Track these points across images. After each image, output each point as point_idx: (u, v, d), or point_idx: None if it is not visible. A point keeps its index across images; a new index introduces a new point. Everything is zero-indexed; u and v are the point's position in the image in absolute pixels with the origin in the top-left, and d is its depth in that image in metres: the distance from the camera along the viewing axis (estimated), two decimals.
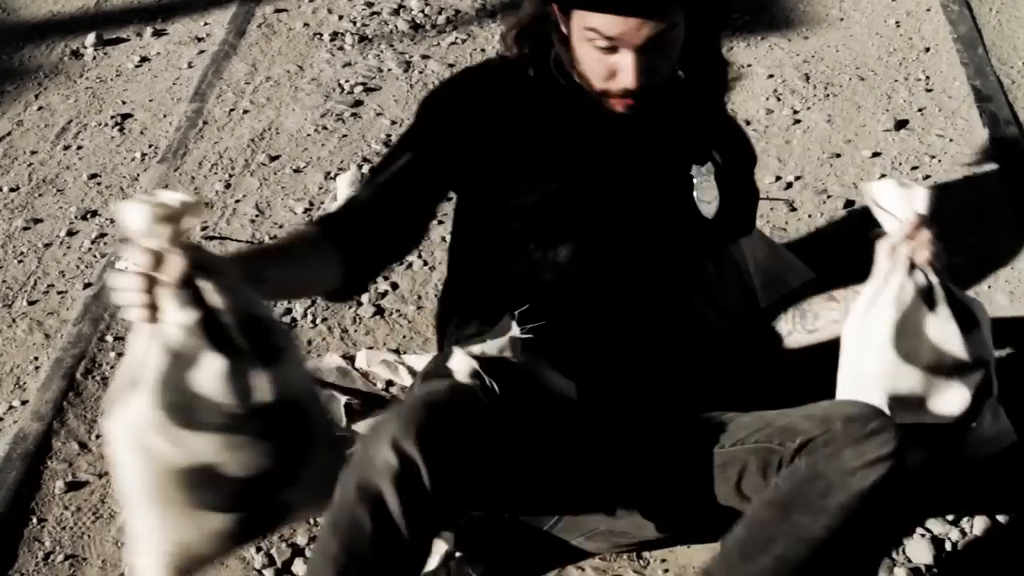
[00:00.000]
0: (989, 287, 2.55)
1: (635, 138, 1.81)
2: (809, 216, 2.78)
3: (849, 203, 2.81)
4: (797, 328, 1.91)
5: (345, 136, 3.12)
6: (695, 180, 1.82)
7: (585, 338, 1.83)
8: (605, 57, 1.66)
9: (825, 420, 1.65)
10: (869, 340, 1.78)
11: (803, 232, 2.71)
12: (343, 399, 2.21)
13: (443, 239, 2.64)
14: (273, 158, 3.04)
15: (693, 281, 1.93)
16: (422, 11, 3.68)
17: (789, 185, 2.87)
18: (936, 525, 2.01)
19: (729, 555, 1.72)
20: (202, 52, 3.52)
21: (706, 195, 1.83)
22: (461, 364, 1.79)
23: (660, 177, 1.83)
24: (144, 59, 3.50)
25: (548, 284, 1.81)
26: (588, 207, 1.81)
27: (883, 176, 2.85)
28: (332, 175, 2.95)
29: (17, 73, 3.45)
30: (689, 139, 1.85)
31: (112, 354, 2.43)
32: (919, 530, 2.01)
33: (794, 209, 2.79)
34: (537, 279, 1.81)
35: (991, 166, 2.93)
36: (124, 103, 3.31)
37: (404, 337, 2.46)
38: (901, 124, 3.11)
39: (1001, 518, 2.03)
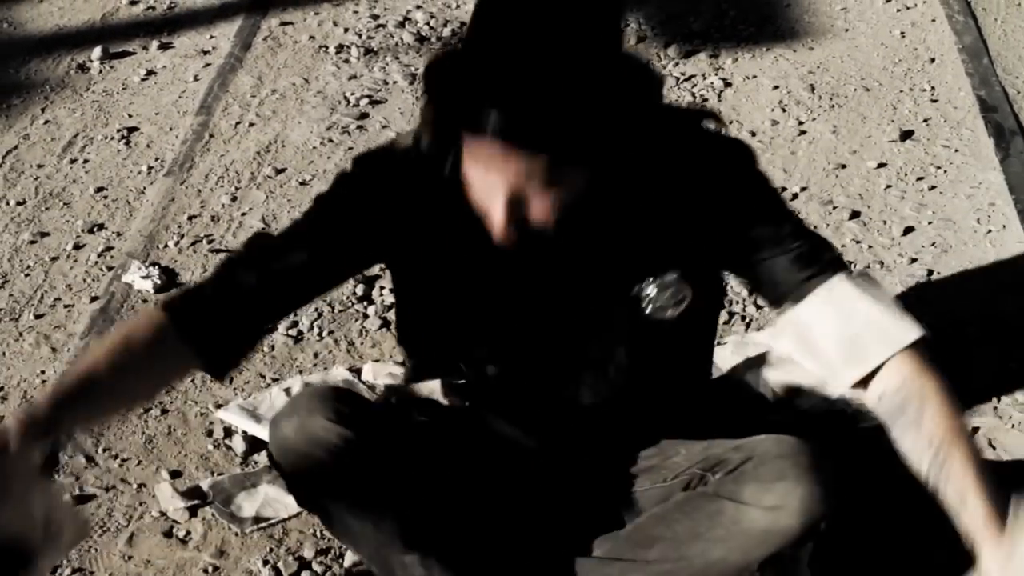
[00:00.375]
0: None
1: (564, 261, 1.60)
2: (815, 227, 2.76)
3: (855, 214, 2.81)
4: (932, 477, 1.48)
5: (351, 149, 3.12)
6: (644, 295, 1.62)
7: (529, 429, 1.77)
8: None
9: (748, 452, 1.61)
10: None
11: None
12: None
13: None
14: (279, 171, 3.04)
15: (660, 377, 1.75)
16: (428, 24, 3.69)
17: (795, 196, 2.87)
18: None
19: (609, 545, 1.72)
20: (208, 65, 3.53)
21: (667, 301, 1.62)
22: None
23: (596, 300, 1.64)
24: (150, 72, 3.51)
25: (481, 385, 1.73)
26: (512, 330, 1.66)
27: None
28: None
29: (23, 87, 3.45)
30: (636, 251, 1.60)
31: None
32: None
33: None
34: (470, 373, 1.73)
35: (996, 176, 2.93)
36: (130, 116, 3.31)
37: None
38: (906, 135, 3.11)
39: None
